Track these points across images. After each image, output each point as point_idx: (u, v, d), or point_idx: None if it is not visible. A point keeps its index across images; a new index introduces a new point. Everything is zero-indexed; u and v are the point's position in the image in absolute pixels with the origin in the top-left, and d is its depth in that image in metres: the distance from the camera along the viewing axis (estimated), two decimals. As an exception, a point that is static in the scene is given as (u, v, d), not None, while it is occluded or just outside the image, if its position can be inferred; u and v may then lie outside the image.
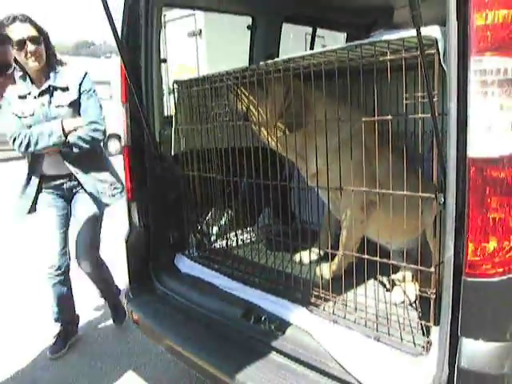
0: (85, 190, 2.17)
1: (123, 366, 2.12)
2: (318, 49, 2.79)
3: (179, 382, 2.00)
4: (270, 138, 1.63)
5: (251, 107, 1.61)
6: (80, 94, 2.10)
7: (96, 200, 2.19)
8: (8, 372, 2.10)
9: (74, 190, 2.22)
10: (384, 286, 1.58)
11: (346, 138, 1.37)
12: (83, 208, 2.19)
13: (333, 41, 3.69)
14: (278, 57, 2.39)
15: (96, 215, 2.20)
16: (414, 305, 1.46)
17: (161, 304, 1.78)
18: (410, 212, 1.22)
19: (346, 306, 1.41)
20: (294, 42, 3.13)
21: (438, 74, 1.04)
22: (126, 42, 1.74)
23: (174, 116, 1.86)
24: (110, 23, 1.22)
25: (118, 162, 2.15)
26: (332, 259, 1.62)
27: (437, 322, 1.09)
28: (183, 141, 1.86)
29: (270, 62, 1.41)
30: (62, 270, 2.17)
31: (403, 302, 1.47)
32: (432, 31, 1.02)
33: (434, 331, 1.10)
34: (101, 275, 2.32)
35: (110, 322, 2.53)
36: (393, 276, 1.53)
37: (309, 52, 1.31)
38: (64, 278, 2.20)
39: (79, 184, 2.18)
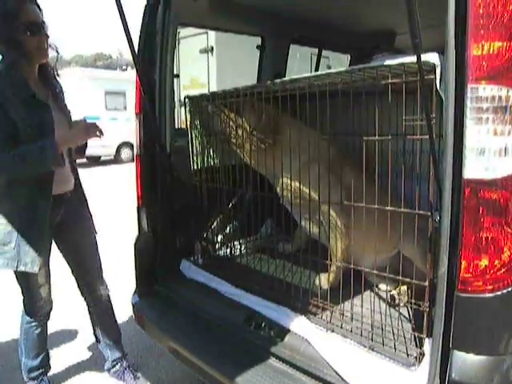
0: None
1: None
2: (322, 68, 2.90)
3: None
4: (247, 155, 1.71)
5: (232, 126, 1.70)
6: None
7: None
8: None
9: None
10: (380, 297, 1.61)
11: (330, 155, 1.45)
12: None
13: (337, 61, 3.79)
14: (284, 75, 2.47)
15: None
16: (407, 317, 1.48)
17: (166, 307, 1.82)
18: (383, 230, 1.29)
19: (343, 315, 1.44)
20: (300, 61, 3.23)
21: (435, 98, 1.08)
22: (142, 56, 1.79)
23: (189, 130, 1.92)
24: (127, 39, 1.28)
25: (130, 170, 2.17)
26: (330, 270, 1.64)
27: (429, 334, 1.11)
28: (198, 155, 1.92)
29: (277, 81, 1.47)
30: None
31: (400, 314, 1.50)
32: (431, 58, 1.07)
33: (427, 343, 1.12)
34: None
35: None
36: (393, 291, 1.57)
37: (313, 74, 1.37)
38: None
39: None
